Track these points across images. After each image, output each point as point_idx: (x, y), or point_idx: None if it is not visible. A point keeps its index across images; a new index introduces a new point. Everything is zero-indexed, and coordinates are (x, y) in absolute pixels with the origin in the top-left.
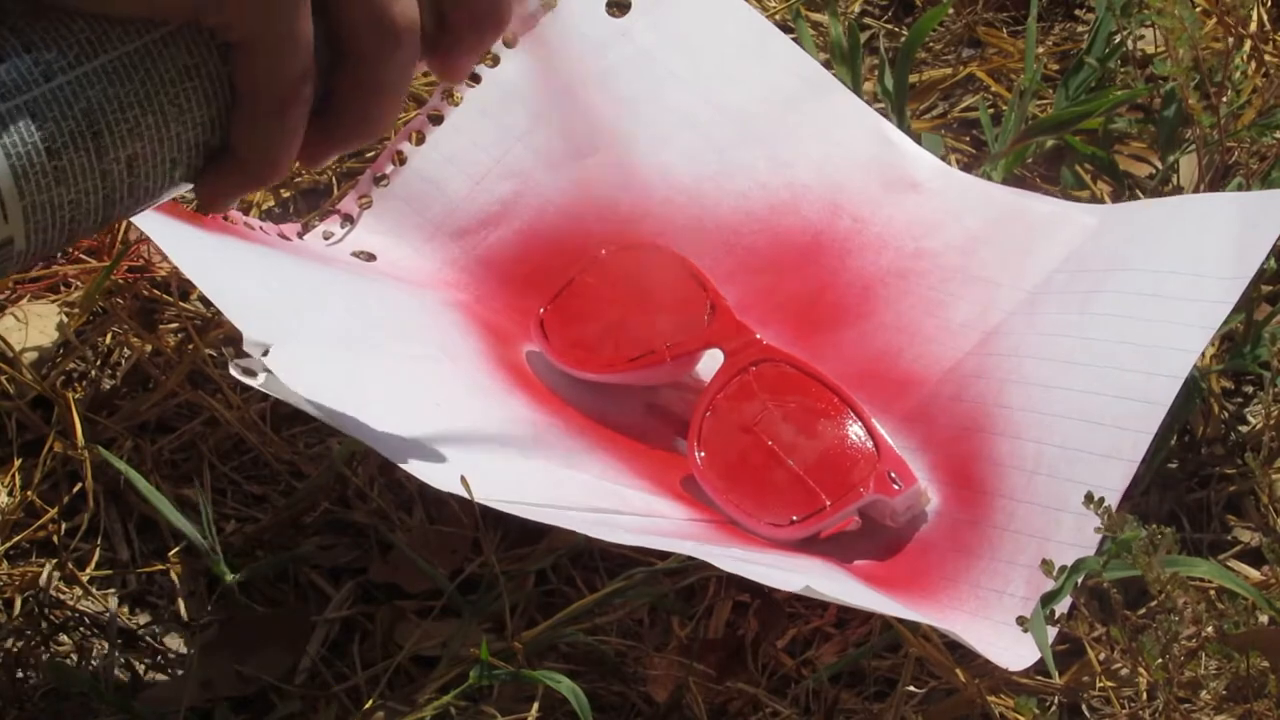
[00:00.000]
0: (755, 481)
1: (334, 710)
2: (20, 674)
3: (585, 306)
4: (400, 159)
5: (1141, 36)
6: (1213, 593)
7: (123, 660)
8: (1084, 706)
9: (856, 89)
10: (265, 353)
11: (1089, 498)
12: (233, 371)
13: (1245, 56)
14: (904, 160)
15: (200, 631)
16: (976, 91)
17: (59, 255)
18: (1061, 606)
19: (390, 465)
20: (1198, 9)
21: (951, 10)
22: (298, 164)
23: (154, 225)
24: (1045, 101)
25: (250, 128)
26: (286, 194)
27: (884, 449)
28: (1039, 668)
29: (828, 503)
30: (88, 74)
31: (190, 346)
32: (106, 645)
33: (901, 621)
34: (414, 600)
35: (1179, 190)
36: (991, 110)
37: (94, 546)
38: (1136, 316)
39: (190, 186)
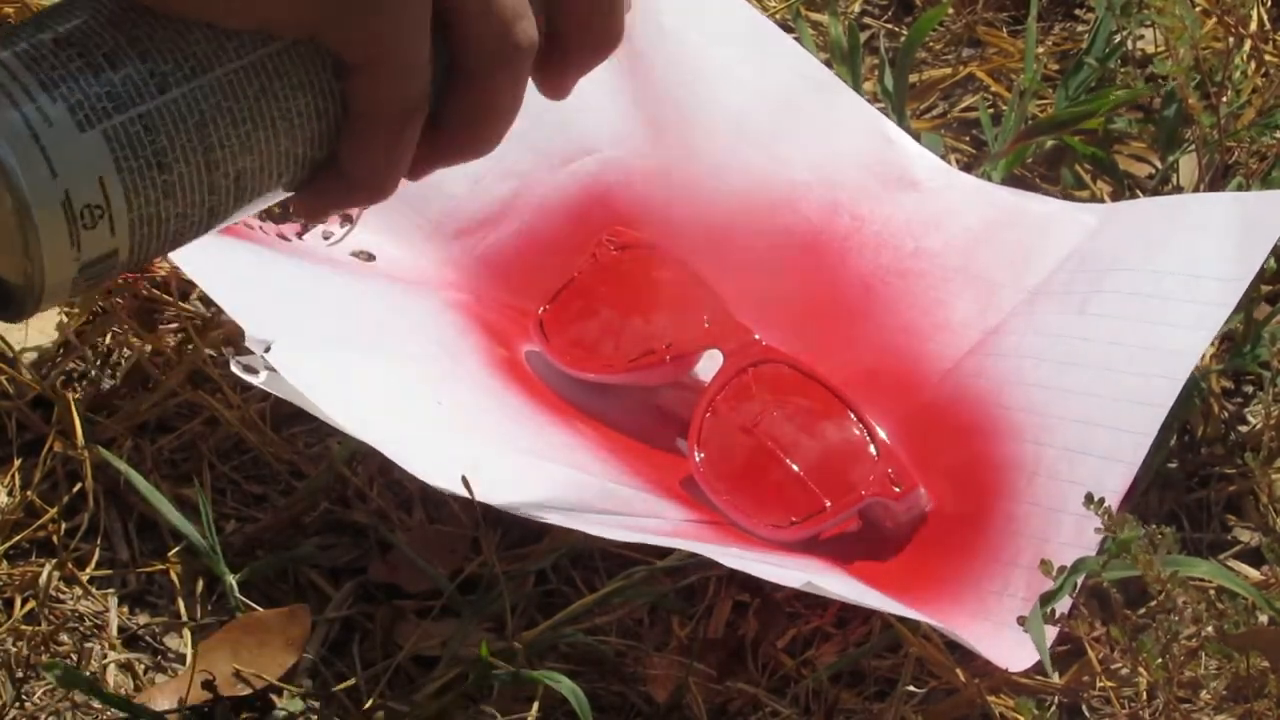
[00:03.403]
0: (755, 483)
1: (334, 710)
2: (20, 674)
3: (585, 306)
4: None
5: (1141, 36)
6: (1213, 593)
7: (123, 660)
8: (1084, 706)
9: (856, 89)
10: (266, 350)
11: (1089, 498)
12: (234, 369)
13: (1245, 56)
14: (904, 159)
15: (200, 631)
16: (976, 91)
17: None
18: (1061, 607)
19: (390, 465)
20: (1198, 9)
21: (951, 10)
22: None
23: None
24: (1045, 101)
25: (362, 147)
26: None
27: (883, 450)
28: (1039, 668)
29: (827, 504)
30: (202, 87)
31: (190, 346)
32: (106, 645)
33: (901, 621)
34: (414, 600)
35: (1179, 190)
36: (991, 110)
37: (94, 546)
38: (1136, 317)
39: (288, 195)
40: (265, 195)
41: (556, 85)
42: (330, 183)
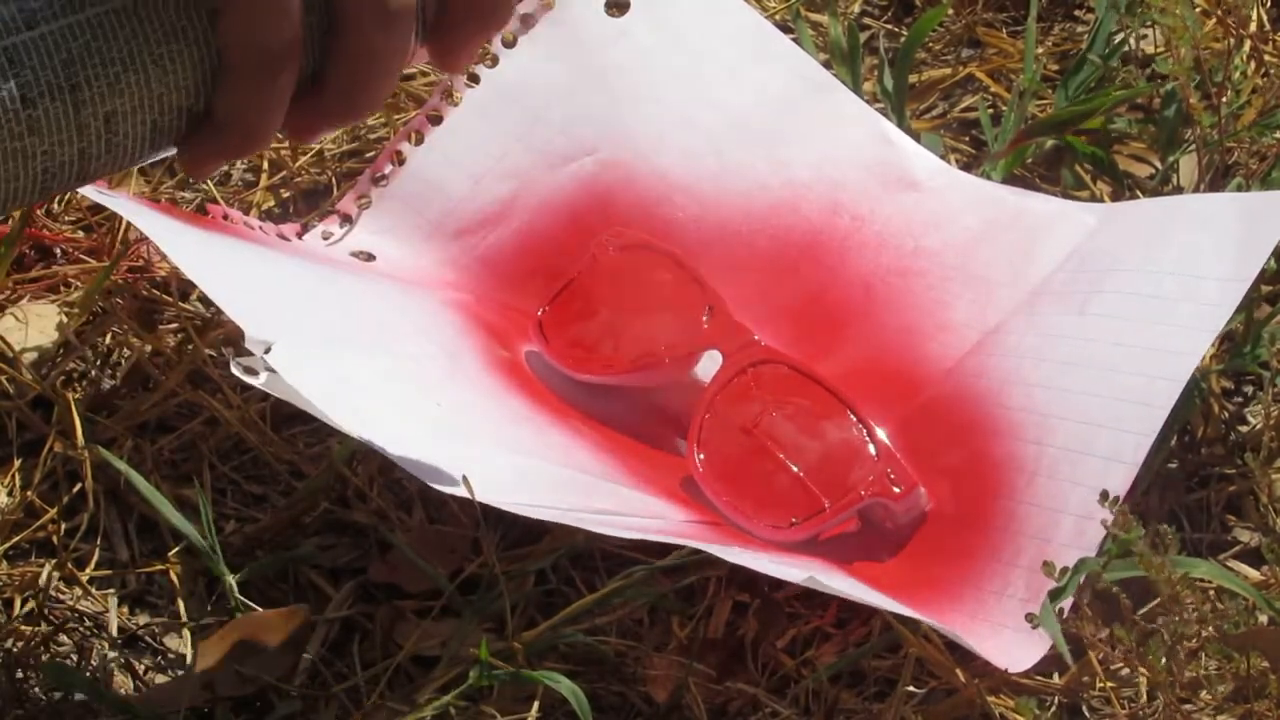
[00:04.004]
0: (754, 483)
1: (334, 710)
2: (20, 674)
3: (584, 307)
4: (399, 159)
5: (1143, 36)
6: (1213, 593)
7: (123, 660)
8: (1084, 707)
9: (856, 89)
10: (266, 351)
11: (1104, 496)
12: (234, 370)
13: (1245, 56)
14: (904, 159)
15: (200, 631)
16: (976, 91)
17: (58, 254)
18: (1063, 607)
19: (390, 465)
20: (1197, 9)
21: (951, 10)
22: (286, 138)
23: (154, 225)
24: (1045, 101)
25: (234, 93)
26: (286, 194)
27: (883, 450)
28: (1039, 668)
29: (827, 504)
30: (71, 26)
31: (190, 346)
32: (106, 645)
33: (901, 621)
34: (414, 600)
35: (1179, 190)
36: (991, 110)
37: (94, 546)
38: (1137, 318)
39: (172, 151)
40: (145, 147)
41: (446, 57)
42: (207, 134)
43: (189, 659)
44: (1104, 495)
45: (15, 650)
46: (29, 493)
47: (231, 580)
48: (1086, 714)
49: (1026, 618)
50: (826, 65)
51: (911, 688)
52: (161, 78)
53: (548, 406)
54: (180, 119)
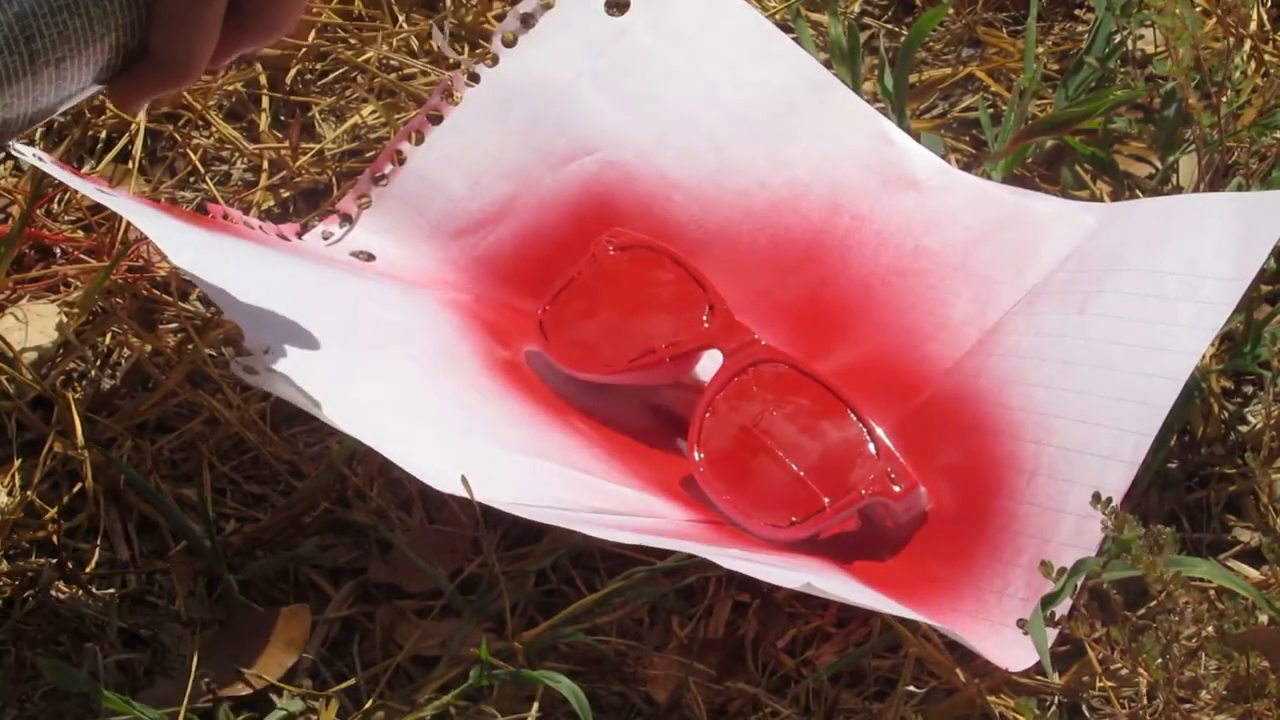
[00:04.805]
0: (754, 482)
1: (334, 710)
2: (20, 674)
3: (585, 307)
4: (399, 159)
5: (1141, 36)
6: (1213, 593)
7: (123, 660)
8: (1084, 707)
9: (856, 89)
10: (266, 351)
11: (1095, 497)
12: (234, 370)
13: (1245, 56)
14: (904, 159)
15: (200, 631)
16: (976, 91)
17: (58, 254)
18: (1061, 608)
19: (390, 465)
20: (1198, 9)
21: (951, 10)
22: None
23: (153, 225)
24: (1045, 101)
25: (169, 27)
26: (286, 194)
27: (883, 450)
28: (1039, 668)
29: (827, 503)
30: None
31: (190, 346)
32: (106, 645)
33: (901, 621)
34: (414, 600)
35: (1179, 190)
36: (991, 110)
37: (94, 546)
38: (1136, 317)
39: (102, 87)
40: (85, 87)
41: None
42: (143, 69)
43: (189, 659)
44: (1095, 497)
45: (15, 650)
46: (29, 493)
47: (231, 580)
48: (1086, 714)
49: (1017, 624)
50: (827, 65)
51: (911, 688)
52: (103, 18)
53: (548, 406)
54: (118, 56)
